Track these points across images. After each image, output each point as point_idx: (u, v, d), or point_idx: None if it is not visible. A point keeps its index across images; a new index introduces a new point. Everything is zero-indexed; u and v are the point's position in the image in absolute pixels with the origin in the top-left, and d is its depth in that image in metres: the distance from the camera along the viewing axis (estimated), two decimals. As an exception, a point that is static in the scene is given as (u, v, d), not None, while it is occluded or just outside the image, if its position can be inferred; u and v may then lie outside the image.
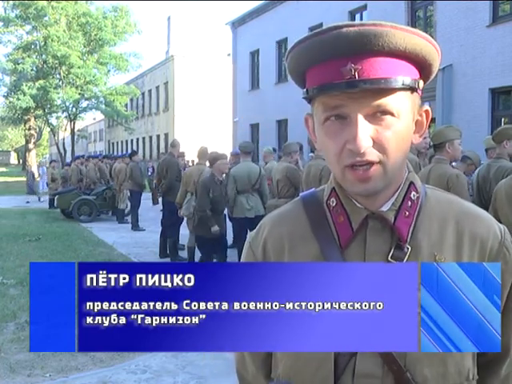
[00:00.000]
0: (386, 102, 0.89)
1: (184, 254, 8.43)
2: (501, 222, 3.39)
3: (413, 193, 0.99)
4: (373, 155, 0.90)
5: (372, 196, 0.96)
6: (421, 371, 0.93)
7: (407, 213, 0.97)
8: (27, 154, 39.77)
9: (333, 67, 0.89)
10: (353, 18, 17.91)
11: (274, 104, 21.45)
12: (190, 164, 16.47)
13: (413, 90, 0.93)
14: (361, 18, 17.71)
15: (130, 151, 13.71)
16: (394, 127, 0.91)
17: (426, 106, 1.00)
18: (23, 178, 35.32)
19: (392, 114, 0.90)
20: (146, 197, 13.55)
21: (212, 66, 37.29)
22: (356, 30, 0.86)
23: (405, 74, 0.90)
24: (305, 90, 0.96)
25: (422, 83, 0.94)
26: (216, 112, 36.61)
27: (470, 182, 4.79)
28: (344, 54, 0.88)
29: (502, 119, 13.30)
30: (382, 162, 0.91)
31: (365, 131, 0.89)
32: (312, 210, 1.04)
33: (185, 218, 8.00)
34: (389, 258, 0.95)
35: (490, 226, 1.00)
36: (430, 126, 14.22)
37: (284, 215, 1.08)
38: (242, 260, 1.11)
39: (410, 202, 0.98)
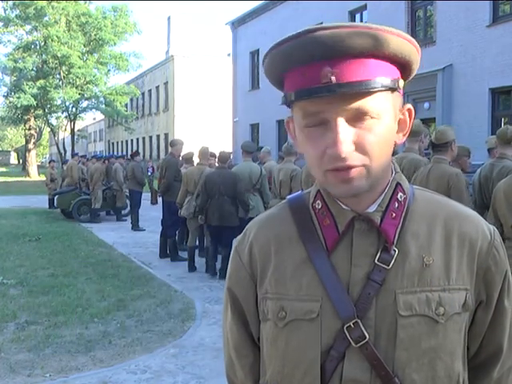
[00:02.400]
0: (366, 104, 0.87)
1: (184, 254, 8.43)
2: (501, 223, 3.36)
3: (400, 194, 0.97)
4: (355, 160, 0.88)
5: (357, 197, 0.94)
6: (409, 376, 0.91)
7: (394, 214, 0.95)
8: (27, 154, 39.79)
9: (310, 72, 0.87)
10: (353, 18, 17.92)
11: (274, 104, 21.36)
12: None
13: (393, 90, 0.90)
14: (361, 18, 17.71)
15: (123, 152, 13.69)
16: (375, 129, 0.89)
17: (409, 105, 0.98)
18: (23, 178, 35.42)
19: (372, 117, 0.88)
20: (146, 197, 13.57)
21: (212, 66, 37.29)
22: (331, 33, 0.85)
23: (384, 75, 0.88)
24: (283, 95, 0.94)
25: (402, 82, 0.92)
26: (216, 112, 36.61)
27: (469, 182, 4.75)
28: (320, 58, 0.86)
29: (502, 119, 13.29)
30: (365, 165, 0.89)
31: (346, 136, 0.87)
32: (298, 212, 1.02)
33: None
34: (376, 261, 0.94)
35: (479, 227, 0.98)
36: (430, 126, 14.25)
37: (270, 218, 1.07)
38: (229, 264, 1.10)
39: (396, 203, 0.96)
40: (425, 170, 4.20)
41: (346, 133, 0.87)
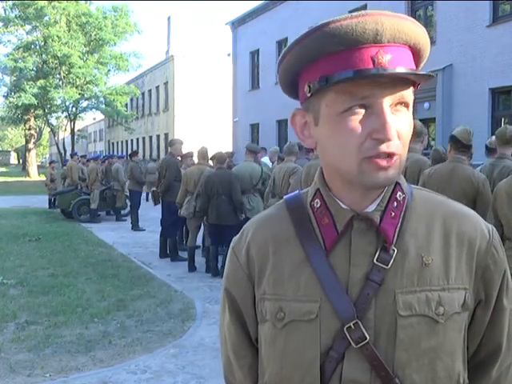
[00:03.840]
0: (406, 93, 0.89)
1: (184, 254, 8.43)
2: (501, 223, 3.34)
3: (399, 193, 0.97)
4: (396, 147, 0.88)
5: (363, 195, 0.94)
6: (409, 376, 0.91)
7: (393, 213, 0.95)
8: (27, 154, 39.80)
9: (357, 55, 0.86)
10: (353, 18, 17.91)
11: (274, 104, 21.40)
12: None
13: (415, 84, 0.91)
14: (361, 18, 17.70)
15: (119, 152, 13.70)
16: (407, 120, 0.90)
17: None
18: (23, 178, 35.43)
19: (407, 107, 0.90)
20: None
21: (212, 66, 37.26)
22: (387, 19, 0.85)
23: (414, 66, 0.91)
24: (317, 78, 0.89)
25: None
26: (216, 112, 36.58)
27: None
28: (371, 42, 0.86)
29: (502, 119, 13.28)
30: (399, 154, 0.90)
31: (392, 121, 0.87)
32: (296, 212, 1.01)
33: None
34: (374, 261, 0.93)
35: (477, 226, 0.98)
36: (429, 126, 14.23)
37: (268, 218, 1.05)
38: (226, 264, 1.09)
39: (395, 203, 0.96)
40: (444, 167, 4.10)
41: (391, 118, 0.87)
